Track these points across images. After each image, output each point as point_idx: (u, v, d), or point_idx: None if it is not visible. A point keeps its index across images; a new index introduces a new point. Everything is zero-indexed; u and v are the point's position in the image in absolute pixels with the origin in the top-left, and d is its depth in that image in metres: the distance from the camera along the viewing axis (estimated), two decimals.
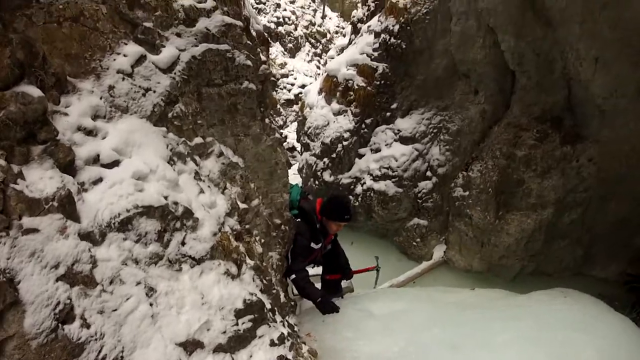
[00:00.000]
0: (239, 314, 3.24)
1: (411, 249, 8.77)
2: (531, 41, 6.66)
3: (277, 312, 3.98)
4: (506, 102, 7.61)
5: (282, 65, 19.34)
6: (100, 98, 3.08)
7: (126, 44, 3.36)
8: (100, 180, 2.82)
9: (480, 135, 7.93)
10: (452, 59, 7.94)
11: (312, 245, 5.28)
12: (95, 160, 2.86)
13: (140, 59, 3.42)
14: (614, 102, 6.26)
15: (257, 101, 4.67)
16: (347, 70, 9.13)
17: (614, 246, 7.58)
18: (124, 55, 3.31)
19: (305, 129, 10.21)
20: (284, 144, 15.47)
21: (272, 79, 6.89)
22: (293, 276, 5.09)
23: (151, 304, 2.71)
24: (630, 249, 7.46)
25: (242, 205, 4.25)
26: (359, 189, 9.05)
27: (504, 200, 7.37)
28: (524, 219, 7.22)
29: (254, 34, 4.81)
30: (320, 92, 9.91)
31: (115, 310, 2.48)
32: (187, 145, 3.77)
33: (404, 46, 8.22)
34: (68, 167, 2.61)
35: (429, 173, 8.56)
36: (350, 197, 9.17)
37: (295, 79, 17.94)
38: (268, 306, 3.72)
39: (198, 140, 3.97)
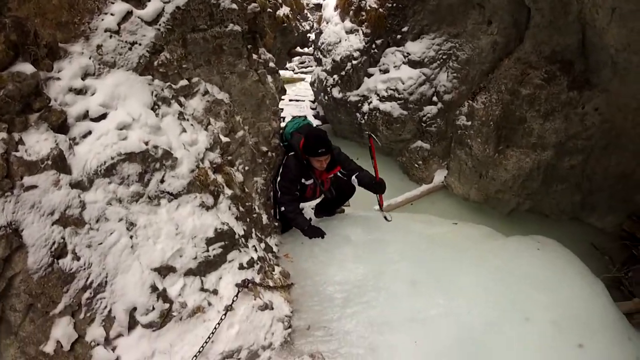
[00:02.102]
0: (209, 241, 3.98)
1: (413, 170, 9.26)
2: None
3: (252, 237, 4.73)
4: (519, 36, 7.65)
5: None
6: (90, 58, 3.68)
7: (113, 3, 3.89)
8: (89, 133, 3.51)
9: (489, 66, 8.05)
10: None
11: (303, 180, 5.71)
12: (85, 116, 3.53)
13: (127, 16, 3.97)
14: (626, 57, 6.24)
15: (245, 40, 5.18)
16: None
17: (614, 198, 7.72)
18: (111, 14, 3.86)
19: (319, 43, 10.56)
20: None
21: (269, 10, 7.04)
22: (282, 208, 5.66)
23: (131, 237, 3.48)
24: (630, 204, 7.63)
25: (224, 139, 4.90)
26: (365, 107, 9.49)
27: (504, 136, 7.64)
28: (523, 157, 7.50)
29: None
30: (336, 8, 10.13)
31: (101, 243, 3.26)
32: (171, 89, 4.39)
33: None
34: (61, 126, 3.29)
35: (435, 98, 8.81)
36: (357, 114, 9.70)
37: None
38: (241, 232, 4.46)
39: (183, 82, 4.57)
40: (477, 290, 4.50)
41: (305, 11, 16.68)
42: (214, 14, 4.69)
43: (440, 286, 4.57)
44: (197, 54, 4.70)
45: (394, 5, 8.86)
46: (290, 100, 12.63)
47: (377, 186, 5.95)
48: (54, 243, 2.94)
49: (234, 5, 4.85)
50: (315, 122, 11.25)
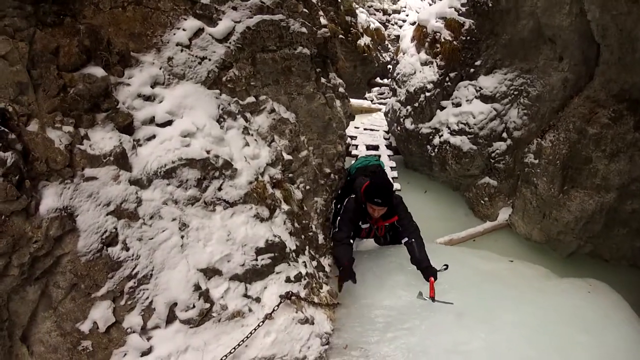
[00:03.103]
0: (259, 251, 4.11)
1: (479, 206, 9.06)
2: (616, 15, 6.41)
3: (304, 253, 4.83)
4: (589, 73, 7.47)
5: (395, 1, 19.41)
6: (160, 68, 4.00)
7: (185, 19, 4.23)
8: (153, 137, 3.80)
9: (559, 104, 7.87)
10: (538, 22, 7.82)
11: (360, 223, 5.61)
12: (151, 121, 3.82)
13: (198, 32, 4.29)
14: None
15: (314, 63, 5.38)
16: (436, 22, 9.33)
17: None
18: (183, 30, 4.20)
19: (395, 74, 10.70)
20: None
21: (341, 36, 7.26)
22: (333, 237, 5.54)
23: (182, 236, 3.68)
24: None
25: (287, 157, 5.09)
26: (436, 140, 9.42)
27: (570, 176, 7.40)
28: (586, 199, 7.23)
29: (314, 0, 5.41)
30: (412, 40, 10.25)
31: (152, 239, 3.48)
32: (238, 104, 4.64)
33: (490, 4, 8.26)
34: (127, 127, 3.60)
35: (504, 135, 8.66)
36: (428, 147, 9.65)
37: (407, 15, 17.95)
38: (293, 247, 4.56)
39: (250, 99, 4.82)
40: (521, 329, 4.39)
41: (386, 42, 16.94)
42: (283, 36, 4.93)
43: (485, 320, 4.48)
44: (265, 73, 4.95)
45: (468, 38, 8.84)
46: (365, 129, 12.69)
47: (426, 270, 5.06)
48: (105, 231, 3.18)
49: (304, 29, 5.07)
50: (387, 153, 11.20)
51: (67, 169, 3.03)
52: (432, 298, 4.70)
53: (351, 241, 5.33)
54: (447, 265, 5.31)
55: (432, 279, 4.89)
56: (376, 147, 11.37)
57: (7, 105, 2.86)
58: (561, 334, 4.34)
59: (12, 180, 2.75)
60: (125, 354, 3.20)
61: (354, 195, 5.57)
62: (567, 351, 4.15)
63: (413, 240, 5.23)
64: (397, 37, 16.59)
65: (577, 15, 7.07)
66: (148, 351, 3.28)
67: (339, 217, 5.50)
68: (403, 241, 5.35)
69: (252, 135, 4.70)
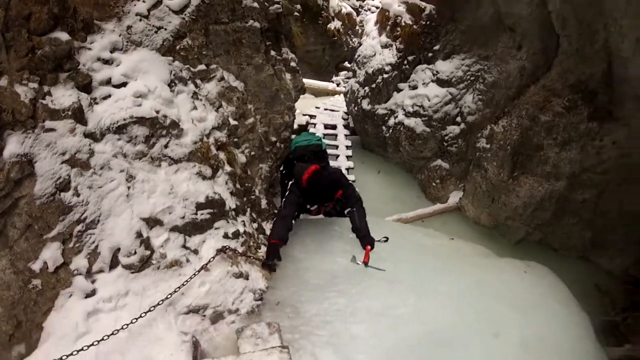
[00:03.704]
0: (199, 206, 4.55)
1: (430, 188, 9.33)
2: (576, 6, 6.59)
3: (244, 214, 5.28)
4: (548, 64, 7.54)
5: None
6: (119, 35, 4.45)
7: None
8: (109, 96, 4.25)
9: (515, 91, 7.98)
10: (499, 10, 7.91)
11: (308, 206, 5.78)
12: (108, 82, 4.28)
13: (157, 4, 4.75)
14: None
15: (263, 36, 5.84)
16: (398, 6, 9.64)
17: (625, 240, 7.40)
18: (143, 1, 4.64)
19: (356, 55, 11.09)
20: None
21: (296, 13, 7.50)
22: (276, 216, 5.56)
23: (129, 187, 4.14)
24: None
25: (233, 122, 5.56)
26: (391, 121, 9.75)
27: (520, 162, 7.54)
28: (536, 185, 7.38)
29: None
30: (375, 23, 10.63)
31: (101, 187, 3.94)
32: (190, 71, 5.09)
33: None
34: (86, 87, 4.06)
35: (458, 119, 8.90)
36: (383, 127, 10.02)
37: (380, 1, 18.23)
38: (232, 206, 5.01)
39: (201, 67, 5.26)
40: (451, 299, 4.60)
41: (357, 27, 17.21)
42: (235, 10, 5.40)
43: (416, 289, 4.69)
44: (217, 44, 5.39)
45: (428, 23, 9.15)
46: (325, 109, 13.10)
47: (363, 238, 5.22)
48: (59, 178, 3.64)
49: (255, 4, 5.55)
50: (345, 132, 11.65)
51: (29, 120, 3.49)
52: (365, 263, 4.86)
53: (293, 221, 5.31)
54: (387, 238, 5.37)
55: (369, 247, 5.03)
56: (334, 127, 11.82)
57: None
58: (492, 309, 4.54)
59: None
60: (71, 295, 3.59)
61: (293, 182, 5.58)
62: (495, 325, 4.34)
63: (355, 209, 5.37)
64: None
65: (538, 5, 7.17)
66: (92, 293, 3.68)
67: (284, 197, 5.56)
68: (346, 211, 5.49)
69: (200, 100, 5.13)
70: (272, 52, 6.10)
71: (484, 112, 8.47)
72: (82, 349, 3.22)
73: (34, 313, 3.47)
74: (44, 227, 3.56)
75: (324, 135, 10.90)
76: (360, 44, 14.31)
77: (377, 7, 17.70)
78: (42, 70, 3.68)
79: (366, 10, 19.18)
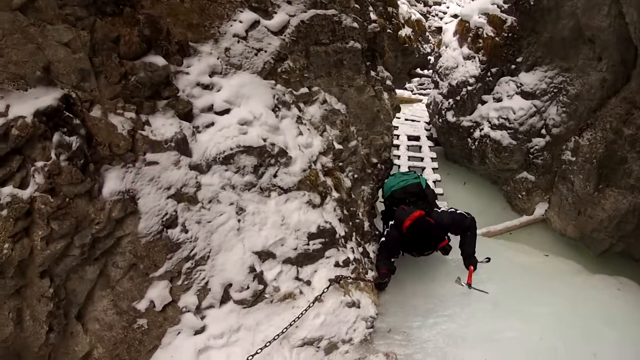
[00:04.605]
0: (311, 236, 3.85)
1: (516, 200, 8.54)
2: None
3: (351, 239, 4.54)
4: (627, 75, 6.92)
5: None
6: (217, 58, 3.76)
7: (242, 12, 3.97)
8: (212, 124, 3.57)
9: (597, 103, 7.30)
10: (578, 22, 7.26)
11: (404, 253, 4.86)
12: (210, 109, 3.59)
13: (254, 24, 4.02)
14: None
15: (363, 57, 5.03)
16: (479, 17, 8.78)
17: None
18: (240, 22, 3.93)
19: (437, 66, 10.18)
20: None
21: (389, 30, 6.73)
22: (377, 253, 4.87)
23: (239, 220, 3.46)
24: None
25: (338, 146, 4.79)
26: (477, 133, 8.90)
27: (605, 175, 6.88)
28: (620, 198, 6.70)
29: None
30: (455, 34, 9.71)
31: (210, 222, 3.26)
32: (292, 95, 4.37)
33: (532, 2, 7.75)
34: (187, 115, 3.38)
35: (543, 131, 8.12)
36: (468, 140, 9.13)
37: (447, 7, 16.94)
38: (342, 233, 4.28)
39: (304, 90, 4.53)
40: (553, 321, 4.17)
41: (427, 34, 16.14)
42: (336, 30, 4.62)
43: (519, 310, 4.28)
44: (318, 66, 4.65)
45: (510, 35, 8.30)
46: (406, 120, 11.92)
47: (468, 258, 4.68)
48: (166, 214, 2.98)
49: (355, 24, 4.75)
50: (428, 144, 10.53)
51: (129, 153, 2.83)
52: (469, 285, 4.43)
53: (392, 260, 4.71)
54: (489, 259, 4.84)
55: (472, 267, 4.58)
56: (417, 138, 10.74)
57: (70, 91, 2.67)
58: (590, 328, 4.11)
59: (77, 164, 2.58)
60: (179, 332, 3.03)
61: (393, 224, 4.73)
62: (594, 345, 3.91)
63: (469, 233, 4.81)
64: (438, 28, 15.73)
65: (616, 16, 6.57)
66: (201, 330, 3.11)
67: (383, 240, 4.78)
68: (461, 239, 4.86)
69: (305, 124, 4.42)
70: (372, 73, 5.26)
71: (568, 124, 7.80)
72: None
73: (138, 352, 2.89)
74: (150, 266, 2.94)
75: (408, 147, 10.17)
76: (432, 51, 13.26)
77: (444, 13, 16.62)
78: (138, 98, 3.03)
79: (434, 16, 17.99)
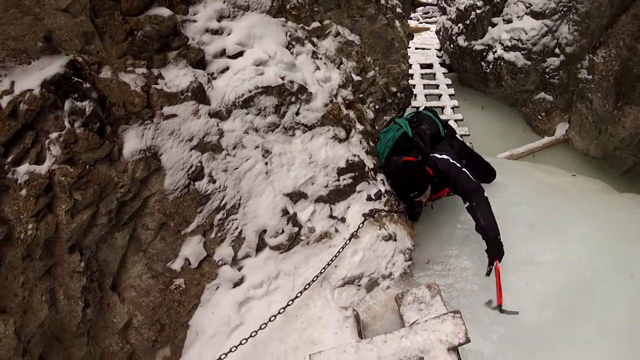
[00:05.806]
0: (341, 171, 3.43)
1: (536, 121, 7.85)
2: None
3: (380, 172, 4.08)
4: None
5: None
6: (224, 2, 3.22)
7: None
8: (226, 69, 3.09)
9: (608, 20, 6.50)
10: None
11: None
12: (222, 53, 3.11)
13: None
14: None
15: None
16: None
17: None
18: None
19: None
20: None
21: None
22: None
23: (266, 163, 3.06)
24: None
25: (356, 78, 4.26)
26: (490, 56, 8.10)
27: (623, 92, 6.15)
28: None
29: None
30: None
31: (237, 168, 2.88)
32: (304, 30, 3.83)
33: None
34: (199, 62, 2.92)
35: (557, 50, 7.32)
36: (482, 63, 8.33)
37: None
38: (370, 166, 3.84)
39: (315, 24, 3.98)
40: (589, 241, 3.76)
41: None
42: None
43: (556, 232, 3.84)
44: None
45: None
46: (416, 49, 10.93)
47: (491, 243, 3.30)
48: (191, 166, 2.60)
49: None
50: (442, 70, 9.60)
51: (145, 109, 2.44)
52: (500, 307, 3.02)
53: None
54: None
55: (497, 262, 3.20)
56: (430, 66, 9.85)
57: (76, 56, 2.27)
58: (624, 249, 3.69)
59: (93, 128, 2.22)
60: (218, 287, 2.73)
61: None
62: (632, 265, 3.51)
63: (474, 203, 3.40)
64: None
65: None
66: (240, 281, 2.79)
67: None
68: (465, 206, 3.49)
69: (321, 59, 3.89)
70: (382, 1, 4.59)
71: (581, 42, 6.99)
72: (240, 343, 2.36)
73: (178, 314, 2.61)
74: (180, 223, 2.60)
75: (422, 75, 9.32)
76: None
77: None
78: (148, 53, 2.59)
79: None
